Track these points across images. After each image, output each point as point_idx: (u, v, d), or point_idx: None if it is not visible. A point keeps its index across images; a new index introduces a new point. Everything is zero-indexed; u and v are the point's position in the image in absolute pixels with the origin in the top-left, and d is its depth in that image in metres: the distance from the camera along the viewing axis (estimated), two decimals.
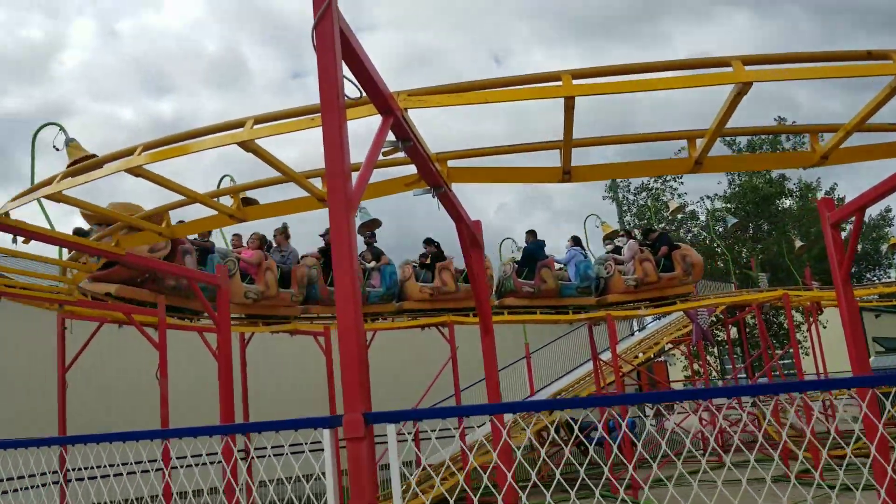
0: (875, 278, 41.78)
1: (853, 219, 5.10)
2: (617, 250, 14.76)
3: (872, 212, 52.99)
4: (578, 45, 77.20)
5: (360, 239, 12.25)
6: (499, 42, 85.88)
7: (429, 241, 13.54)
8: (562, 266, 13.87)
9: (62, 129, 7.65)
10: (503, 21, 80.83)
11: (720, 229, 31.60)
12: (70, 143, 7.53)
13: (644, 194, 34.77)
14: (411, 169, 4.46)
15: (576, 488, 2.90)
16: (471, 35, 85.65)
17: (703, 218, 33.99)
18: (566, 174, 4.33)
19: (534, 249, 13.83)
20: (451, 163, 4.48)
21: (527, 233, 14.27)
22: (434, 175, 4.23)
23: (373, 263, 12.61)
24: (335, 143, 2.80)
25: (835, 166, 4.51)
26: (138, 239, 5.74)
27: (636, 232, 15.53)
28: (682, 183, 33.31)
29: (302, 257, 11.90)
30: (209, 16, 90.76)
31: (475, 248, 5.08)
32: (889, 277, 40.93)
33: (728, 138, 31.34)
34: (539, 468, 14.69)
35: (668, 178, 31.61)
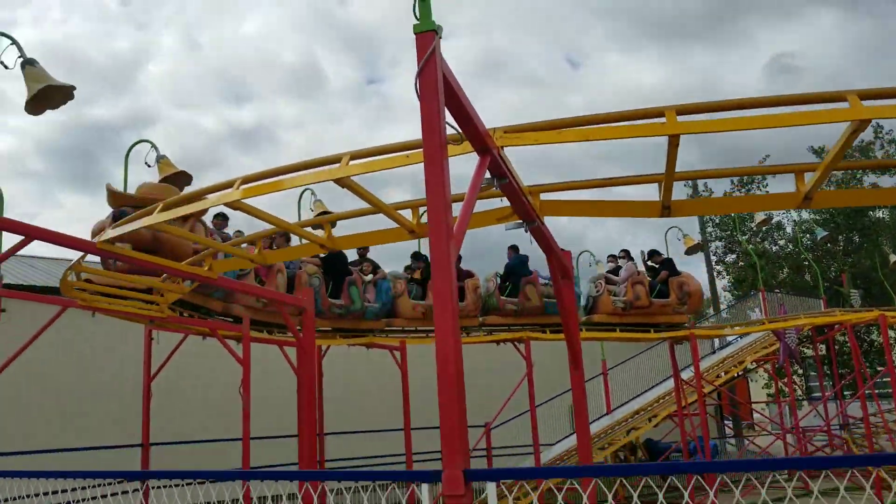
0: None
1: None
2: (617, 270, 14.39)
3: None
4: (656, 46, 75.71)
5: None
6: (573, 43, 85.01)
7: (417, 256, 13.02)
8: (546, 282, 13.20)
9: (154, 146, 7.89)
10: (578, 22, 79.98)
11: (808, 241, 30.39)
12: (161, 159, 7.78)
13: None
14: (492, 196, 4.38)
15: None
16: (545, 37, 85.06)
17: (789, 230, 32.71)
18: (666, 209, 4.18)
19: (516, 265, 13.37)
20: (543, 195, 4.39)
21: (509, 248, 13.76)
22: (527, 209, 4.15)
23: (370, 276, 12.02)
24: (438, 189, 2.78)
25: None
26: (230, 265, 5.85)
27: (643, 252, 15.01)
28: (766, 186, 32.10)
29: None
30: (287, 26, 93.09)
31: (565, 279, 4.97)
32: None
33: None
34: (616, 490, 14.31)
35: (751, 188, 30.54)
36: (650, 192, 4.28)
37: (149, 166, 7.80)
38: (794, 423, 17.97)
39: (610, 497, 3.11)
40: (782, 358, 16.59)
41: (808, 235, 30.42)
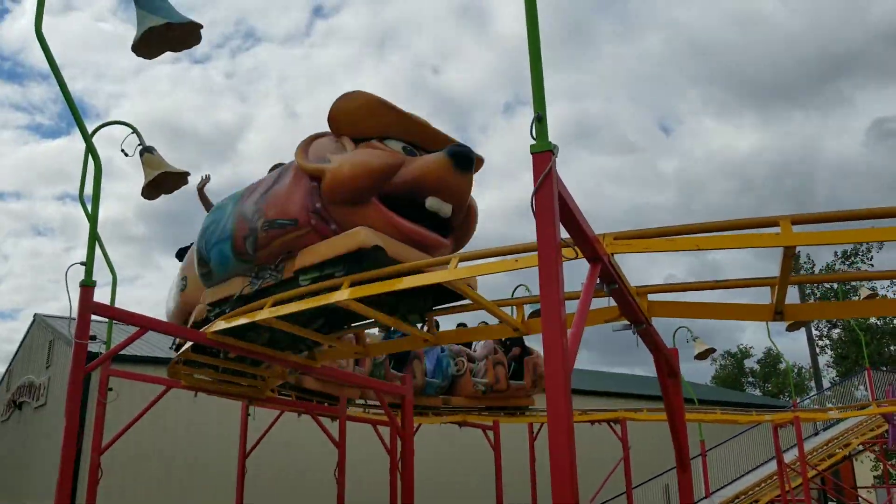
0: None
1: None
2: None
3: None
4: (753, 111, 74.45)
5: None
6: (667, 109, 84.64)
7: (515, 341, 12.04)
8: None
9: (135, 131, 7.58)
10: (672, 87, 79.74)
11: None
12: (147, 152, 7.53)
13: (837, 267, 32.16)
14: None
15: None
16: (639, 103, 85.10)
17: None
18: (778, 314, 4.08)
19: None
20: (651, 296, 4.36)
21: None
22: (635, 311, 4.13)
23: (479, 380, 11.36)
24: (553, 305, 2.81)
25: None
26: (336, 354, 6.01)
27: None
28: (871, 259, 30.69)
29: None
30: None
31: (672, 378, 4.88)
32: None
33: None
34: None
35: (859, 253, 29.34)
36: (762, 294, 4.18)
37: (126, 155, 6.71)
38: None
39: None
40: (892, 441, 15.60)
41: None
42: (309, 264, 4.67)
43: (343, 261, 4.51)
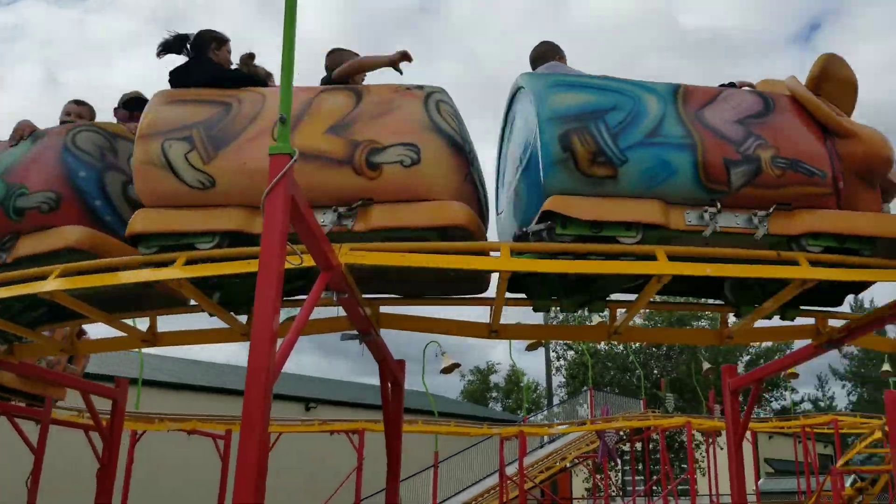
0: (773, 399, 43.47)
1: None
2: None
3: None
4: None
5: None
6: None
7: None
8: None
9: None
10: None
11: (636, 345, 32.49)
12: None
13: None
14: None
15: None
16: None
17: None
18: (494, 332, 4.48)
19: None
20: (383, 308, 4.56)
21: None
22: (364, 322, 4.29)
23: None
24: (267, 309, 2.82)
25: None
26: (38, 350, 5.48)
27: None
28: None
29: None
30: (150, 78, 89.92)
31: (395, 388, 5.12)
32: (784, 400, 42.69)
33: None
34: None
35: None
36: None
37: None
38: None
39: None
40: (600, 456, 17.49)
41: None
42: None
43: None
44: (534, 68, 4.57)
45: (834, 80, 4.24)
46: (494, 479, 16.85)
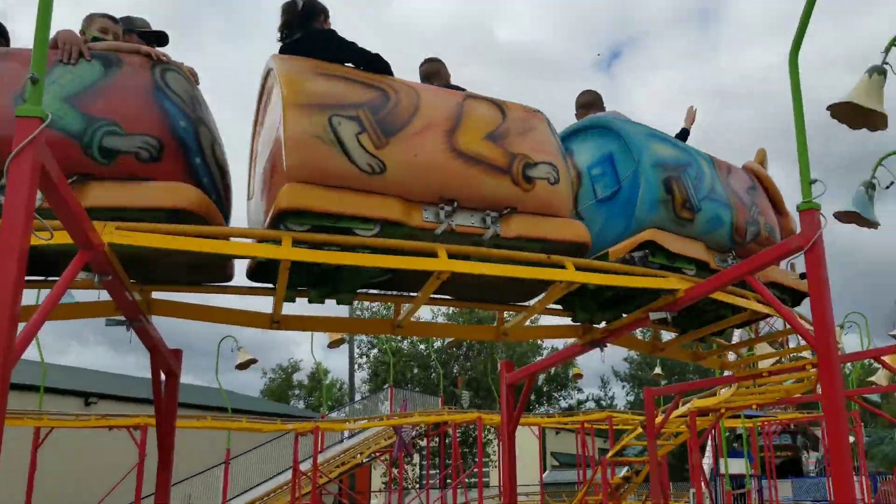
0: (560, 397, 46.52)
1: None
2: None
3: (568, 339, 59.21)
4: None
5: None
6: None
7: None
8: None
9: None
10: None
11: (437, 343, 33.35)
12: None
13: (378, 304, 35.73)
14: None
15: None
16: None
17: None
18: (276, 323, 4.38)
19: None
20: (157, 294, 4.31)
21: None
22: (132, 307, 4.04)
23: None
24: (6, 288, 2.59)
25: None
26: None
27: None
28: None
29: None
30: None
31: (169, 379, 4.88)
32: (571, 398, 45.90)
33: None
34: None
35: None
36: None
37: None
38: None
39: None
40: (396, 450, 17.81)
41: (438, 340, 33.49)
42: None
43: None
44: (585, 114, 5.34)
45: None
46: (289, 476, 16.60)
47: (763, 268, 4.69)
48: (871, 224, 7.13)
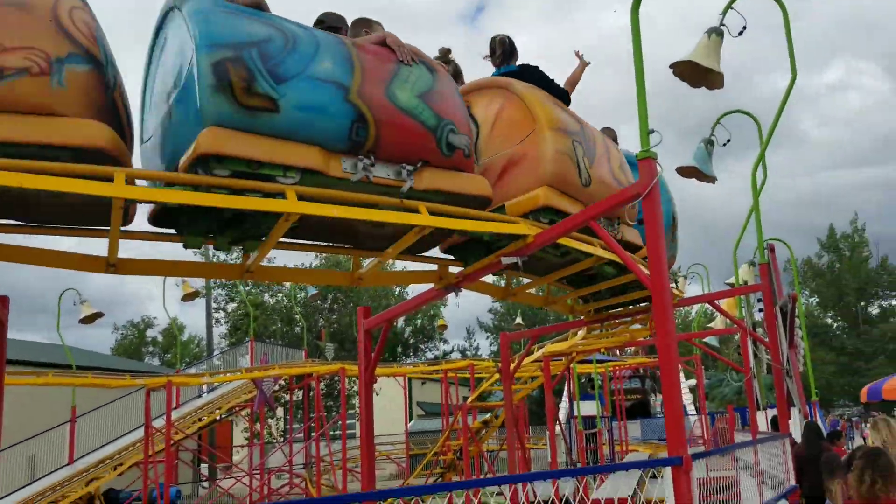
0: (426, 349, 47.40)
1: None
2: None
3: None
4: None
5: None
6: None
7: None
8: None
9: None
10: None
11: (301, 296, 32.90)
12: None
13: (235, 254, 34.70)
14: None
15: None
16: None
17: (287, 285, 35.04)
18: (111, 266, 4.12)
19: None
20: None
21: None
22: None
23: None
24: None
25: None
26: None
27: None
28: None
29: None
30: None
31: None
32: (437, 349, 46.85)
33: None
34: None
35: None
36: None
37: None
38: (260, 465, 18.97)
39: None
40: (258, 404, 17.53)
41: (301, 291, 33.00)
42: None
43: None
44: None
45: None
46: (141, 433, 16.01)
47: (605, 213, 4.94)
48: (709, 178, 7.60)
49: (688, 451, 3.48)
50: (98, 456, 15.31)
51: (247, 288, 32.45)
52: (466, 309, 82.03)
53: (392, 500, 3.15)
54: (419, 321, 47.65)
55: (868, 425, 10.66)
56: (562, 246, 4.99)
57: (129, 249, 4.22)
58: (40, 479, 14.72)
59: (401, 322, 47.83)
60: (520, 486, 4.84)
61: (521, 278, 6.32)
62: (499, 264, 4.94)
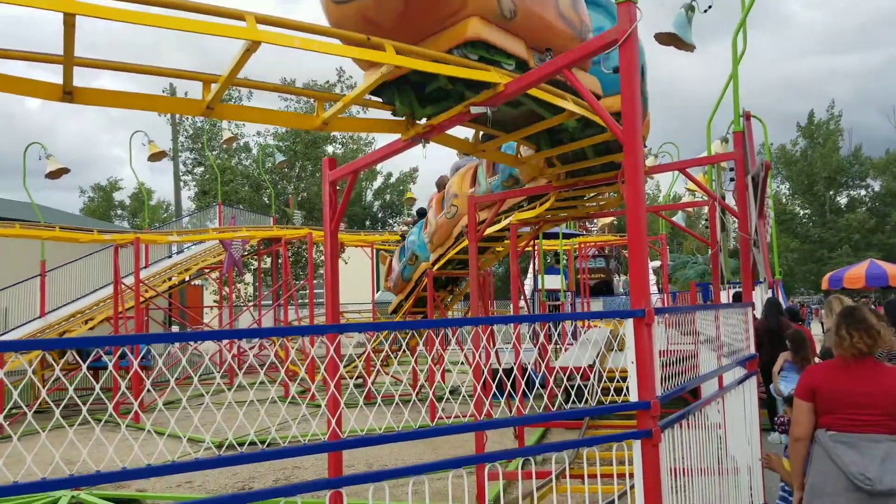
0: (395, 224, 47.60)
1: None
2: None
3: (403, 167, 60.16)
4: None
5: None
6: None
7: None
8: None
9: None
10: None
11: (269, 164, 32.47)
12: None
13: (202, 118, 33.87)
14: None
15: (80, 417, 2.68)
16: None
17: (254, 151, 34.51)
18: (67, 94, 3.96)
19: None
20: None
21: None
22: None
23: None
24: None
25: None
26: None
27: None
28: None
29: None
30: None
31: None
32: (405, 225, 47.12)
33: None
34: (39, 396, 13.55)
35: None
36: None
37: None
38: (230, 326, 19.31)
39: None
40: (227, 267, 17.63)
41: (269, 159, 32.53)
42: None
43: None
44: None
45: None
46: (111, 290, 16.09)
47: (579, 62, 4.81)
48: (688, 46, 7.44)
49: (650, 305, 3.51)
50: (69, 310, 15.42)
51: (214, 153, 31.91)
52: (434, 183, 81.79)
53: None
54: (388, 196, 47.58)
55: (823, 307, 11.05)
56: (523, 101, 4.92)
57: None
58: (12, 330, 14.85)
59: (370, 196, 47.73)
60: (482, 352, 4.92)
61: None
62: (468, 114, 4.84)
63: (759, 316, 7.36)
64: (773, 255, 9.34)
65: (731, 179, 8.25)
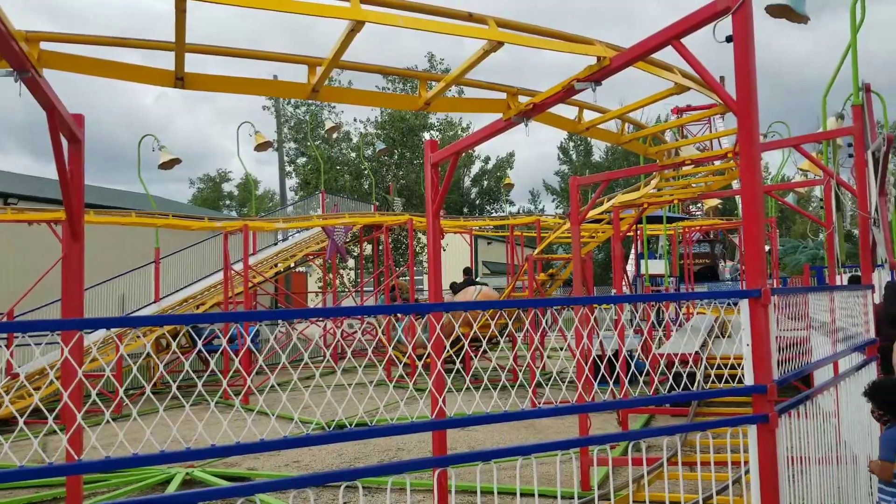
0: (493, 210, 47.54)
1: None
2: None
3: (500, 153, 59.94)
4: None
5: None
6: None
7: None
8: None
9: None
10: None
11: (369, 153, 33.02)
12: None
13: (304, 109, 34.78)
14: None
15: (193, 396, 2.80)
16: None
17: (355, 140, 35.16)
18: (179, 80, 4.11)
19: None
20: (44, 45, 3.95)
21: None
22: (19, 56, 3.71)
23: None
24: None
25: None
26: None
27: None
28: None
29: None
30: None
31: (72, 145, 4.62)
32: (503, 211, 46.94)
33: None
34: (154, 377, 14.31)
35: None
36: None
37: None
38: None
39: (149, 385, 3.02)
40: (330, 253, 18.05)
41: (369, 147, 33.08)
42: None
43: None
44: None
45: None
46: (221, 276, 16.78)
47: (688, 32, 4.58)
48: (802, 18, 7.02)
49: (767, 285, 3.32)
50: (182, 295, 16.18)
51: (317, 143, 32.67)
52: (532, 172, 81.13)
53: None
54: (485, 182, 47.54)
55: None
56: None
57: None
58: (129, 314, 15.73)
59: (467, 182, 47.80)
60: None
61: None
62: (572, 91, 4.71)
63: (878, 300, 6.87)
64: (895, 235, 8.71)
65: (850, 156, 7.75)
